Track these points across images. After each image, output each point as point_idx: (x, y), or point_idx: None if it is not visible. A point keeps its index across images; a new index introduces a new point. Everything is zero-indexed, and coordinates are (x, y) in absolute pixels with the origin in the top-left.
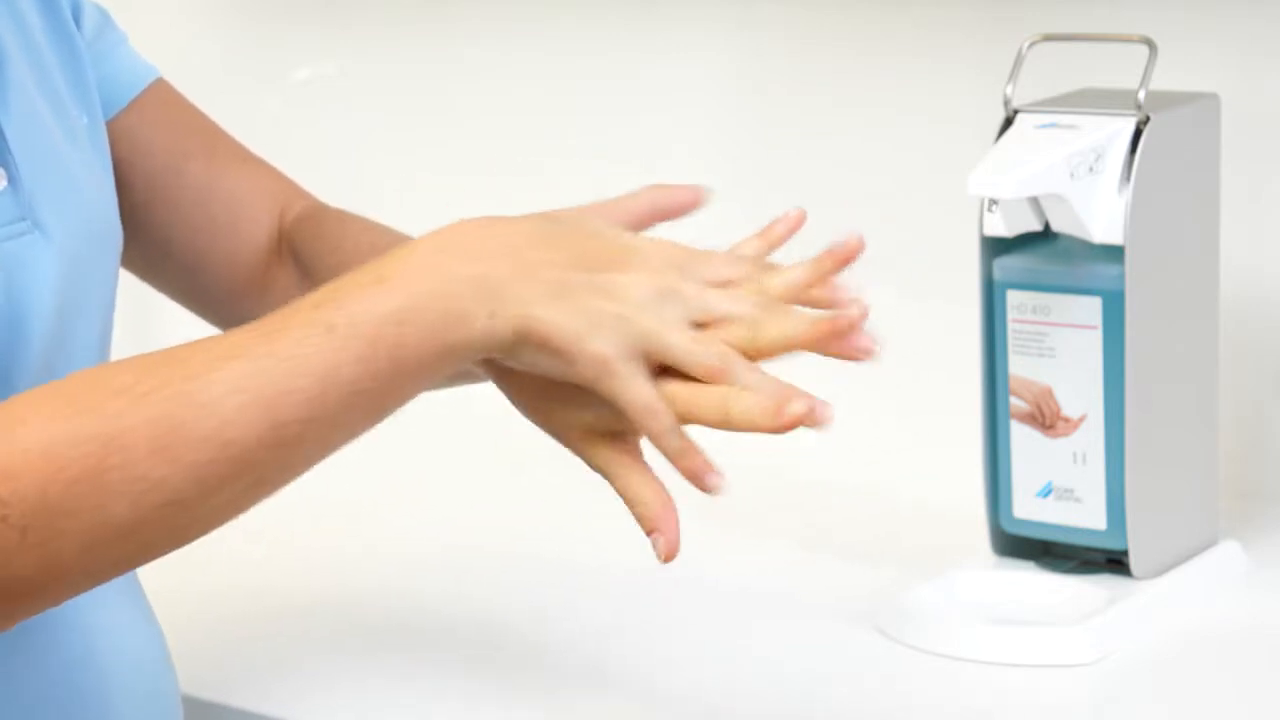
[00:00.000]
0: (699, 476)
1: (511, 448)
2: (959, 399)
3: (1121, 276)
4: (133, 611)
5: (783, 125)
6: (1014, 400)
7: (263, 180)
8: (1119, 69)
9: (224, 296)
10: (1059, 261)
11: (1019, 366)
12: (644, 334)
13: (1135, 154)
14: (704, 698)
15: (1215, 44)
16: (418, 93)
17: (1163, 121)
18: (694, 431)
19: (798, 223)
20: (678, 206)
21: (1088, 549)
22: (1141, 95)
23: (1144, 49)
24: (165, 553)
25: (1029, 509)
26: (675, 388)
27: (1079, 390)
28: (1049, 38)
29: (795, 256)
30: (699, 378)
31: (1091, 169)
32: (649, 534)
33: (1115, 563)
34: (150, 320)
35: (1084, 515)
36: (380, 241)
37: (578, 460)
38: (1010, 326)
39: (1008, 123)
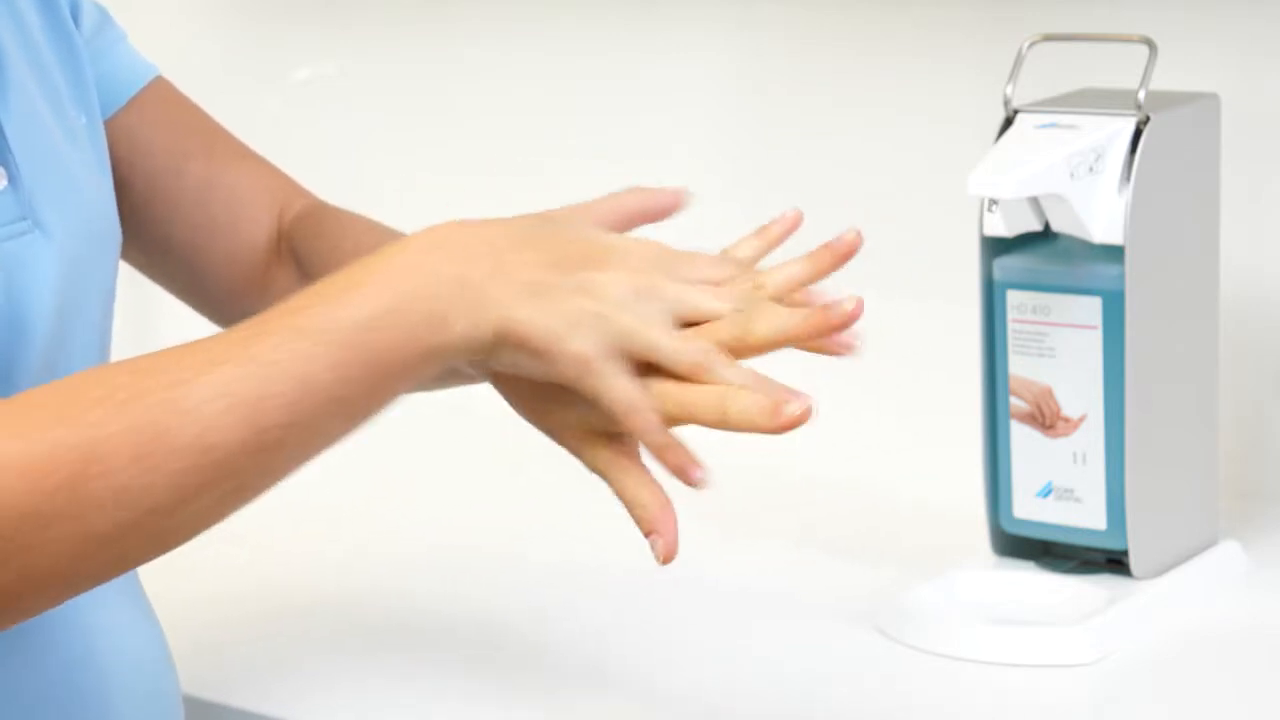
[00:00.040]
0: (683, 471)
1: (511, 448)
2: (959, 399)
3: (1121, 276)
4: (133, 611)
5: (783, 125)
6: (1014, 400)
7: (263, 179)
8: (1119, 69)
9: (224, 295)
10: (1059, 261)
11: (1019, 366)
12: (624, 332)
13: (1135, 154)
14: (704, 698)
15: (1215, 44)
16: (418, 93)
17: (1163, 121)
18: (689, 430)
19: (794, 224)
20: (660, 209)
21: (1088, 549)
22: (1141, 95)
23: (1144, 49)
24: (144, 562)
25: (1029, 509)
26: (670, 387)
27: (1079, 390)
28: (1049, 38)
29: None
30: (681, 375)
31: (1091, 169)
32: (647, 535)
33: (1115, 563)
34: (150, 320)
35: (1084, 515)
36: (380, 241)
37: (576, 460)
38: (1010, 326)
39: (1008, 123)
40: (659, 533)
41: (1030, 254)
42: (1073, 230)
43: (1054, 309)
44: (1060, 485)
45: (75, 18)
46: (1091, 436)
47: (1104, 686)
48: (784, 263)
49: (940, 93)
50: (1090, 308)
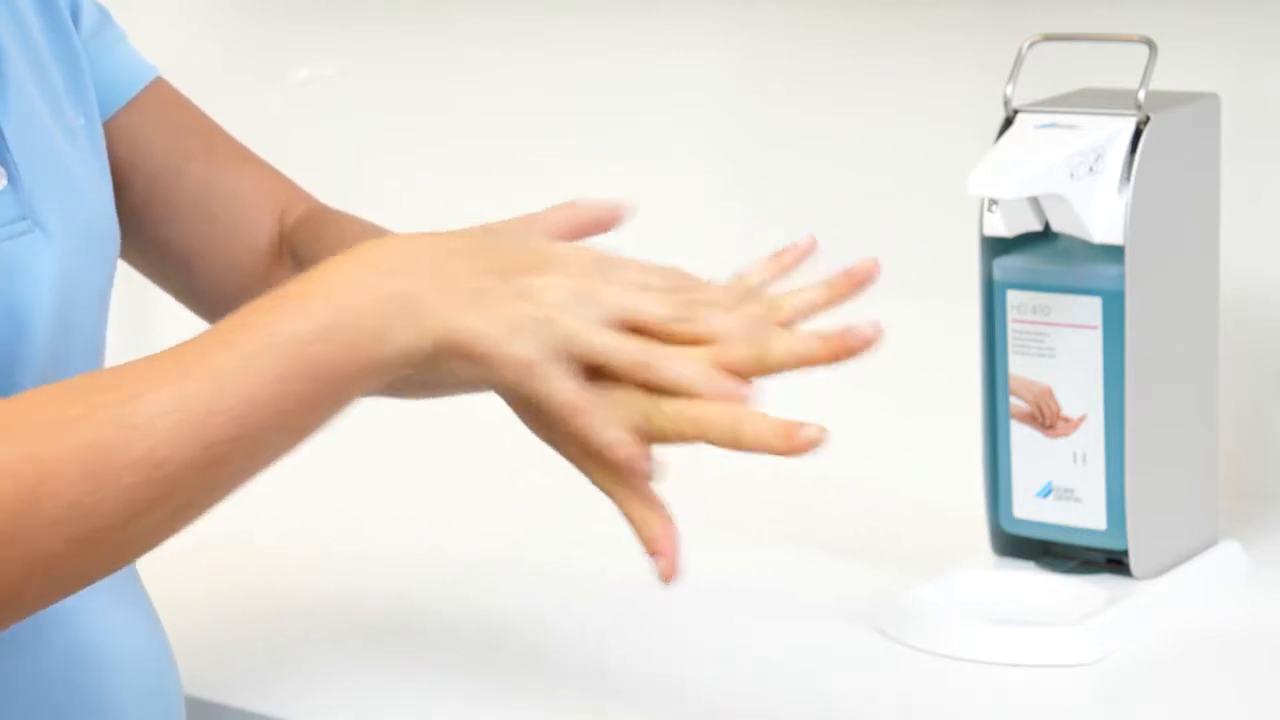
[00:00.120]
0: (634, 463)
1: (511, 450)
2: (959, 399)
3: (1121, 276)
4: (133, 610)
5: (783, 125)
6: (1014, 400)
7: (264, 181)
8: (1119, 69)
9: (223, 297)
10: (1059, 261)
11: (1019, 366)
12: (565, 335)
13: (1135, 154)
14: (704, 698)
15: (1215, 44)
16: (418, 93)
17: (1163, 121)
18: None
19: (808, 251)
20: (601, 221)
21: (1088, 549)
22: (1141, 95)
23: (1144, 49)
24: (92, 581)
25: (1029, 509)
26: (684, 406)
27: (1079, 390)
28: (1049, 38)
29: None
30: (623, 374)
31: (1091, 169)
32: (650, 555)
33: (1115, 563)
34: (147, 320)
35: (1084, 515)
36: None
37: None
38: (1010, 326)
39: (1008, 123)
40: (662, 553)
41: (1030, 254)
42: (1073, 230)
43: (1054, 309)
44: (1060, 485)
45: (75, 18)
46: (1091, 436)
47: (1104, 686)
48: (801, 288)
49: (940, 93)
50: (1090, 308)
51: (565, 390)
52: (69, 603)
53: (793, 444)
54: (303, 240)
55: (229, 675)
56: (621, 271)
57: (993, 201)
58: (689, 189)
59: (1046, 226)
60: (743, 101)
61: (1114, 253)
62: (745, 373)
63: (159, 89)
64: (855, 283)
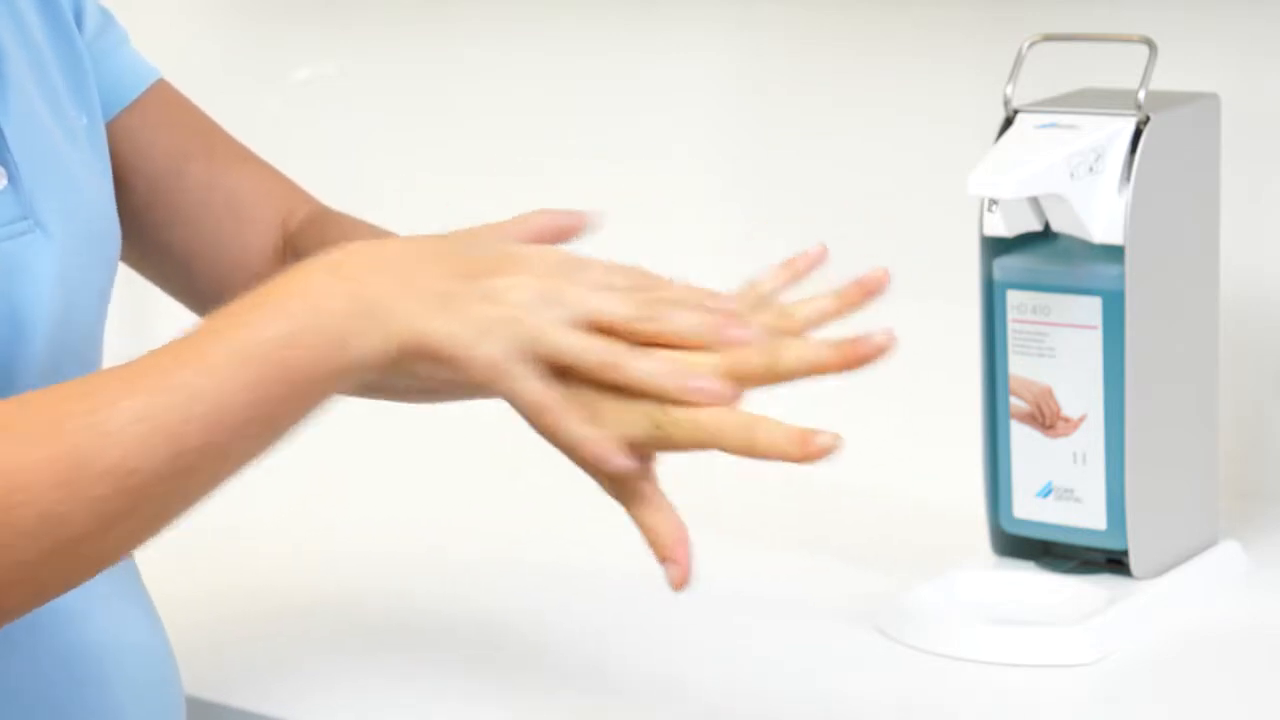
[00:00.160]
0: (604, 460)
1: (511, 450)
2: (959, 399)
3: (1121, 276)
4: (133, 607)
5: (783, 125)
6: (1014, 400)
7: (265, 182)
8: (1119, 69)
9: (224, 298)
10: (1059, 261)
11: (1019, 366)
12: (531, 335)
13: (1135, 154)
14: (704, 698)
15: (1215, 44)
16: (418, 93)
17: (1163, 121)
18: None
19: (819, 259)
20: (566, 229)
21: (1088, 549)
22: (1141, 95)
23: (1144, 49)
24: (64, 591)
25: (1029, 509)
26: (698, 414)
27: (1079, 390)
28: (1049, 38)
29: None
30: (590, 373)
31: (1091, 169)
32: (661, 562)
33: (1115, 563)
34: (146, 321)
35: (1084, 515)
36: None
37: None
38: (1010, 326)
39: (1008, 123)
40: (674, 560)
41: (1030, 254)
42: (1073, 230)
43: (1054, 309)
44: (1060, 485)
45: (78, 19)
46: (1091, 436)
47: (1104, 686)
48: (812, 297)
49: (940, 93)
50: (1090, 308)
51: (532, 390)
52: (69, 601)
53: (808, 451)
54: (306, 243)
55: (229, 675)
56: (586, 272)
57: (993, 201)
58: (689, 189)
59: (1046, 226)
60: (743, 101)
61: (1114, 253)
62: (756, 381)
63: (161, 91)
64: (866, 292)
